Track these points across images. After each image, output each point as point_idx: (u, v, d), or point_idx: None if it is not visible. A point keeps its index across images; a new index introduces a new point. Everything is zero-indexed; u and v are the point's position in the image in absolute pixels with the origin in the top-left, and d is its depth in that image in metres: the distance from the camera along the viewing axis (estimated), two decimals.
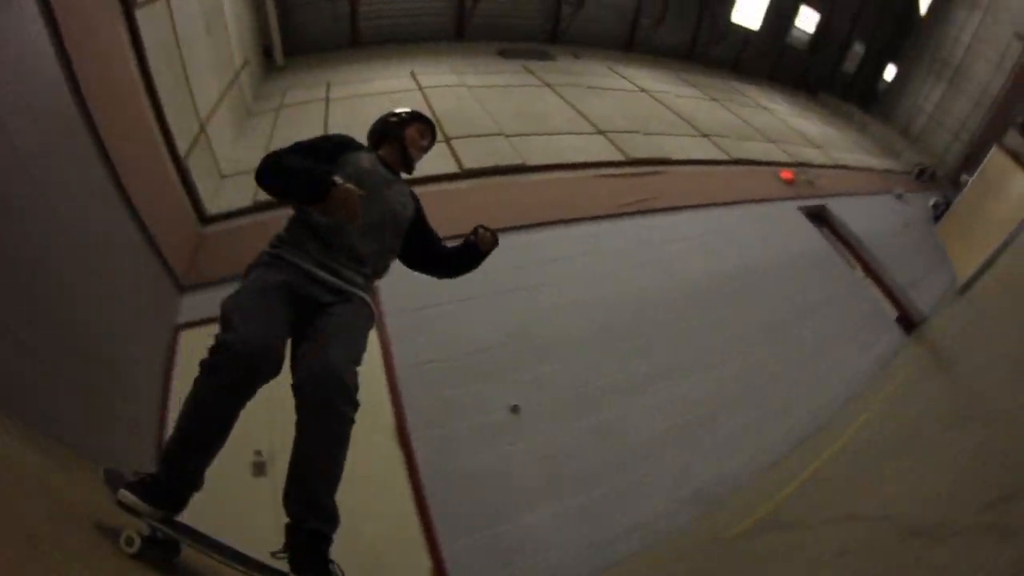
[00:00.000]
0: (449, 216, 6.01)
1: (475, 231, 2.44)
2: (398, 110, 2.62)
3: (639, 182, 7.43)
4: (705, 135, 9.77)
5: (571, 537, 4.23)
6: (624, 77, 11.54)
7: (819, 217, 9.95)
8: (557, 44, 12.93)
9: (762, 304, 6.75)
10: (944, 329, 5.96)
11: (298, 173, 1.95)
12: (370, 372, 4.62)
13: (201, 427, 1.74)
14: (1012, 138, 23.14)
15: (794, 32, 19.61)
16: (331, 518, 1.75)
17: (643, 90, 11.02)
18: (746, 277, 6.90)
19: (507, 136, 7.62)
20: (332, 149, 2.27)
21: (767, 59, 19.30)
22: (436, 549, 3.93)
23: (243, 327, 1.73)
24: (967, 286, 6.58)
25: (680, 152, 8.68)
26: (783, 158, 10.82)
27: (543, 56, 11.80)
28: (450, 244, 2.60)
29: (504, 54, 11.54)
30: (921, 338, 7.49)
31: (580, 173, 7.33)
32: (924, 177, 20.21)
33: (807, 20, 19.81)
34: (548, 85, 9.79)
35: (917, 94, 27.70)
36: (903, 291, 9.54)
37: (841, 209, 10.44)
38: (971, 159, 24.64)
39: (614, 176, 7.43)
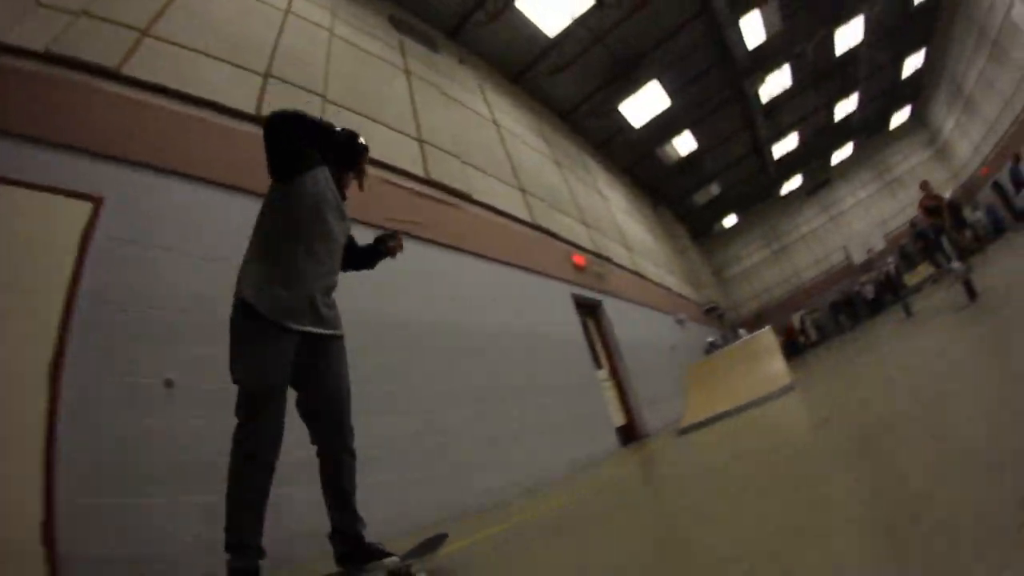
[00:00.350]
0: (228, 159, 5.08)
1: (388, 242, 2.93)
2: (359, 138, 2.72)
3: (425, 204, 7.07)
4: (522, 190, 9.76)
5: (190, 531, 3.58)
6: (487, 103, 11.32)
7: (590, 310, 10.33)
8: (453, 41, 12.52)
9: (491, 367, 6.63)
10: (658, 454, 6.12)
11: (339, 133, 2.47)
12: (46, 298, 3.68)
13: (256, 496, 2.17)
14: (795, 320, 26.46)
15: (668, 147, 20.61)
16: (362, 521, 2.39)
17: (495, 123, 10.87)
18: (484, 336, 6.78)
19: (327, 100, 6.85)
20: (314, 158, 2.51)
21: (632, 155, 20.16)
22: (52, 502, 3.31)
23: (272, 431, 2.23)
24: (684, 431, 6.84)
25: (485, 194, 8.50)
26: (586, 244, 11.15)
27: (430, 44, 11.21)
28: None
29: (393, 21, 10.81)
30: (635, 453, 7.71)
31: (380, 173, 6.76)
32: (712, 315, 22.40)
33: (684, 144, 20.90)
34: (408, 72, 9.26)
35: (743, 248, 31.42)
36: (639, 404, 10.12)
37: (616, 311, 10.94)
38: (756, 322, 28.00)
39: (402, 188, 7.00)
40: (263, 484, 2.17)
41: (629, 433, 9.72)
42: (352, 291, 5.42)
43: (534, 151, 11.97)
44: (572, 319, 9.14)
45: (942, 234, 10.33)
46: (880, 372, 3.75)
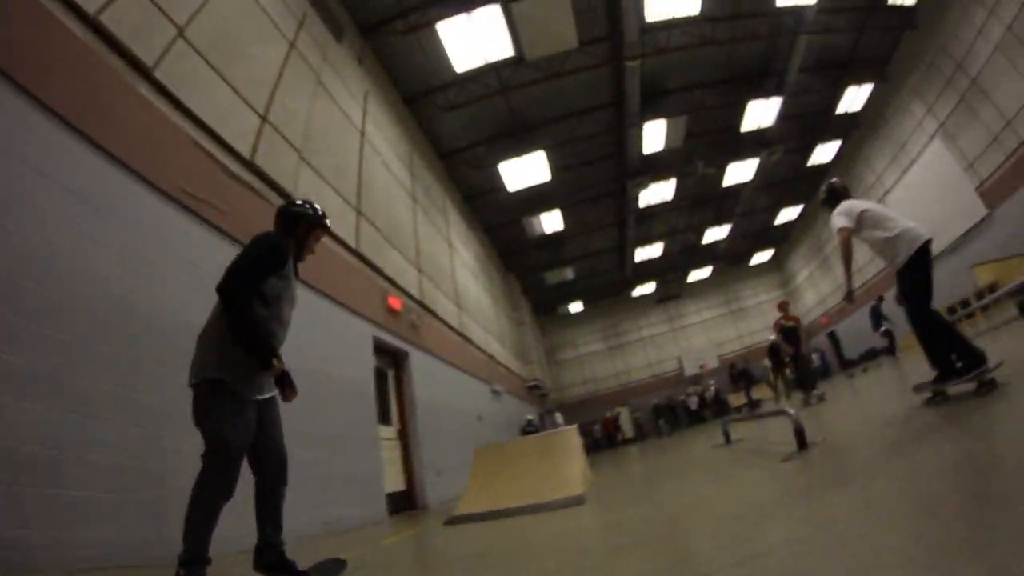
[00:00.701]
0: (42, 62, 3.98)
1: (289, 394, 2.89)
2: (316, 207, 3.24)
3: (232, 189, 5.98)
4: (359, 212, 8.88)
5: None
6: (365, 111, 10.46)
7: (394, 359, 9.55)
8: (363, 38, 11.63)
9: None
10: (424, 533, 5.24)
11: (258, 341, 2.72)
12: None
13: (214, 520, 2.58)
14: (618, 415, 27.15)
15: (535, 220, 20.63)
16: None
17: (363, 134, 9.99)
18: None
19: (181, 36, 5.64)
20: (283, 265, 2.93)
21: (497, 216, 20.08)
22: None
23: (237, 474, 2.66)
24: (454, 521, 6.04)
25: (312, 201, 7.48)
26: (412, 289, 10.43)
27: (336, 30, 10.00)
28: None
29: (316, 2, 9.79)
30: (406, 524, 6.89)
31: (195, 134, 5.63)
32: (535, 392, 22.31)
33: (552, 222, 21.04)
34: (292, 46, 8.08)
35: (581, 336, 32.48)
36: (423, 471, 9.24)
37: (424, 366, 10.22)
38: (580, 408, 28.68)
39: (215, 160, 5.86)
40: (219, 511, 2.56)
41: (406, 501, 8.81)
42: (99, 267, 4.15)
43: (392, 178, 11.16)
44: (367, 364, 8.20)
45: (794, 359, 10.46)
46: (681, 524, 3.01)
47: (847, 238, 4.59)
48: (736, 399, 22.31)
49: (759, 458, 4.93)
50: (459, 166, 16.68)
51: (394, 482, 8.65)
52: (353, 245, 8.39)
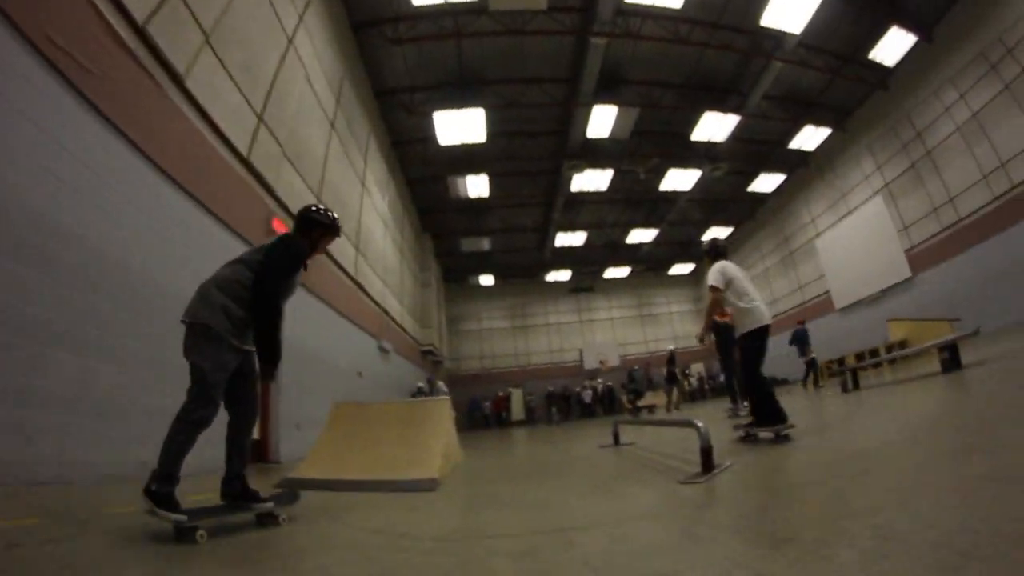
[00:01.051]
0: None
1: (263, 381, 3.32)
2: (331, 215, 3.54)
3: (115, 56, 5.02)
4: (261, 120, 7.79)
5: None
6: (302, 21, 9.52)
7: None
8: None
9: (85, 306, 4.53)
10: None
11: (275, 344, 3.14)
12: None
13: (189, 444, 2.90)
14: (508, 392, 26.74)
15: (460, 181, 19.67)
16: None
17: (291, 41, 8.93)
18: (99, 263, 4.70)
19: None
20: (300, 266, 3.36)
21: (422, 169, 19.09)
22: None
23: (216, 406, 3.02)
24: (284, 484, 5.15)
25: (206, 92, 6.42)
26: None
27: None
28: None
29: None
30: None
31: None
32: (429, 358, 21.57)
33: (478, 187, 20.11)
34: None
35: (487, 311, 31.82)
36: (279, 423, 8.24)
37: (302, 307, 9.11)
38: (470, 383, 28.34)
39: (103, 19, 4.89)
40: (195, 437, 2.91)
41: (256, 452, 7.86)
42: None
43: (313, 97, 10.09)
44: None
45: (723, 363, 9.60)
46: (536, 564, 2.01)
47: (717, 297, 5.28)
48: (629, 401, 22.51)
49: (653, 473, 4.28)
50: (394, 108, 15.61)
51: None
52: (244, 152, 7.30)
